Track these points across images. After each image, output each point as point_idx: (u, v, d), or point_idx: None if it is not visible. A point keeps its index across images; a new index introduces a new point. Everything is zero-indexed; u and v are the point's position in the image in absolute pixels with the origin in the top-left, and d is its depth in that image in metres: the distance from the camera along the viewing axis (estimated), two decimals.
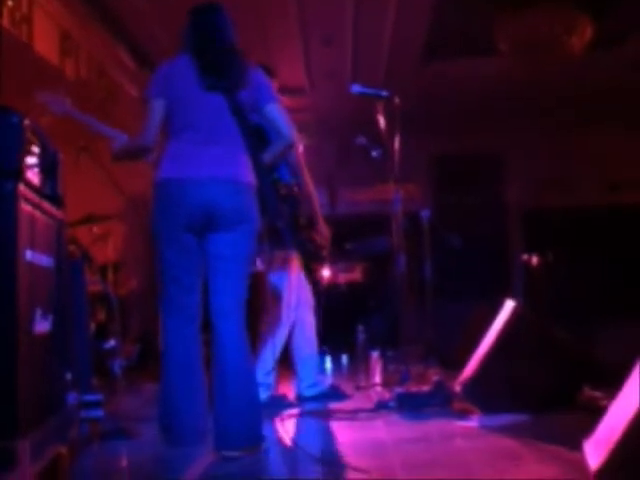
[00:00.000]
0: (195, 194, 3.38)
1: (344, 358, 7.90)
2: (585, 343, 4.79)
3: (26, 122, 2.77)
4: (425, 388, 4.56)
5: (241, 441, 3.33)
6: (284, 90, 5.53)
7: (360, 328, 6.91)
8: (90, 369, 3.97)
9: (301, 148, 4.97)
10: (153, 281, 7.87)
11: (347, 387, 5.21)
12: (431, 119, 9.36)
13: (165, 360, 3.50)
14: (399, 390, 4.57)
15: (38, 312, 2.80)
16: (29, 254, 2.69)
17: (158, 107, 3.52)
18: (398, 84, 6.40)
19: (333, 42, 7.46)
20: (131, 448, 3.68)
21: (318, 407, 4.69)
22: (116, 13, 6.76)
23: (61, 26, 6.14)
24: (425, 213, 5.35)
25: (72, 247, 5.21)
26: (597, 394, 4.16)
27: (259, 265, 4.78)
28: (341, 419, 4.30)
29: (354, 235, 9.16)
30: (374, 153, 5.06)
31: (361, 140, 5.17)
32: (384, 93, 4.79)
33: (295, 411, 4.58)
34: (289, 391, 5.07)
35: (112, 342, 5.18)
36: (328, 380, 5.51)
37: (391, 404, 4.48)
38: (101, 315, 5.47)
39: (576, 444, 2.95)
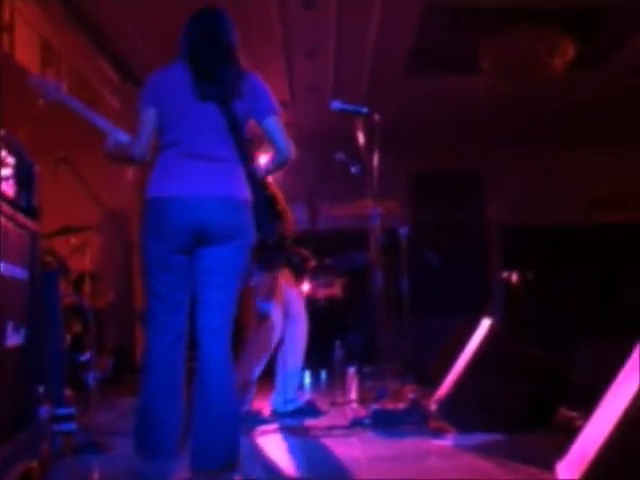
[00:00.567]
0: (185, 215, 3.24)
1: (322, 374, 7.89)
2: (562, 362, 4.79)
3: (1, 134, 2.74)
4: (401, 406, 4.55)
5: (219, 459, 3.23)
6: None
7: (338, 344, 6.90)
8: (63, 382, 3.92)
9: None
10: (130, 293, 7.88)
11: (324, 403, 5.19)
12: (411, 135, 9.37)
13: (145, 376, 3.38)
14: (375, 407, 4.56)
15: (10, 325, 2.77)
16: (1, 266, 2.66)
17: (149, 117, 3.36)
18: (379, 100, 6.40)
19: (316, 55, 7.46)
20: (104, 462, 3.65)
21: (293, 424, 4.67)
22: (98, 24, 6.73)
23: (42, 35, 6.11)
24: (403, 230, 5.33)
25: (49, 258, 5.17)
26: (573, 414, 4.17)
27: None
28: (316, 436, 4.28)
29: (333, 250, 9.15)
30: (353, 169, 5.04)
31: (340, 156, 5.15)
32: (364, 110, 4.78)
33: (270, 427, 4.56)
34: (265, 406, 5.05)
35: (87, 354, 5.13)
36: (305, 396, 5.48)
37: (366, 421, 4.47)
38: (77, 327, 5.42)
39: (550, 465, 2.95)
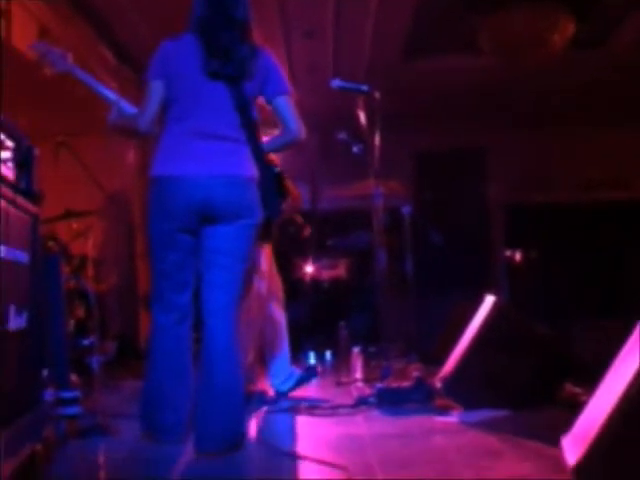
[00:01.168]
0: (191, 194, 3.21)
1: (328, 354, 7.89)
2: (566, 339, 4.80)
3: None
4: (406, 384, 4.55)
5: (224, 441, 3.24)
6: None
7: (342, 324, 6.92)
8: (68, 366, 3.92)
9: None
10: (133, 277, 7.88)
11: (329, 383, 5.19)
12: (413, 115, 9.32)
13: (152, 357, 3.39)
14: (379, 386, 4.56)
15: (12, 308, 2.76)
16: (3, 249, 2.65)
17: (157, 89, 3.31)
18: (380, 79, 6.36)
19: (314, 35, 7.41)
20: (109, 445, 3.63)
21: (298, 403, 4.67)
22: (96, 7, 6.69)
23: (40, 20, 6.07)
24: (406, 209, 5.34)
25: (51, 243, 5.16)
26: (578, 390, 4.16)
27: None
28: (321, 415, 4.28)
29: (336, 231, 9.15)
30: (355, 149, 5.03)
31: (342, 136, 5.13)
32: (364, 88, 4.75)
33: (275, 407, 4.56)
34: (268, 386, 5.05)
35: (90, 338, 5.13)
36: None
37: (371, 400, 4.47)
38: (80, 311, 5.42)
39: (556, 440, 2.93)
